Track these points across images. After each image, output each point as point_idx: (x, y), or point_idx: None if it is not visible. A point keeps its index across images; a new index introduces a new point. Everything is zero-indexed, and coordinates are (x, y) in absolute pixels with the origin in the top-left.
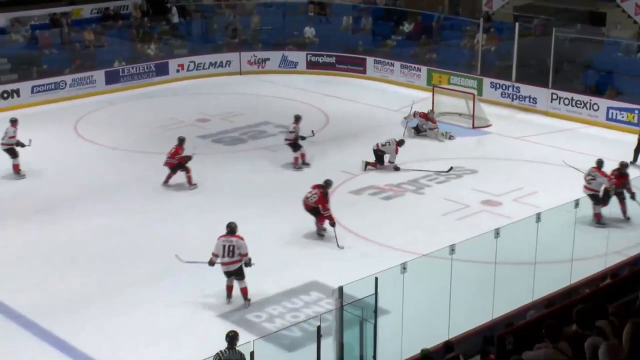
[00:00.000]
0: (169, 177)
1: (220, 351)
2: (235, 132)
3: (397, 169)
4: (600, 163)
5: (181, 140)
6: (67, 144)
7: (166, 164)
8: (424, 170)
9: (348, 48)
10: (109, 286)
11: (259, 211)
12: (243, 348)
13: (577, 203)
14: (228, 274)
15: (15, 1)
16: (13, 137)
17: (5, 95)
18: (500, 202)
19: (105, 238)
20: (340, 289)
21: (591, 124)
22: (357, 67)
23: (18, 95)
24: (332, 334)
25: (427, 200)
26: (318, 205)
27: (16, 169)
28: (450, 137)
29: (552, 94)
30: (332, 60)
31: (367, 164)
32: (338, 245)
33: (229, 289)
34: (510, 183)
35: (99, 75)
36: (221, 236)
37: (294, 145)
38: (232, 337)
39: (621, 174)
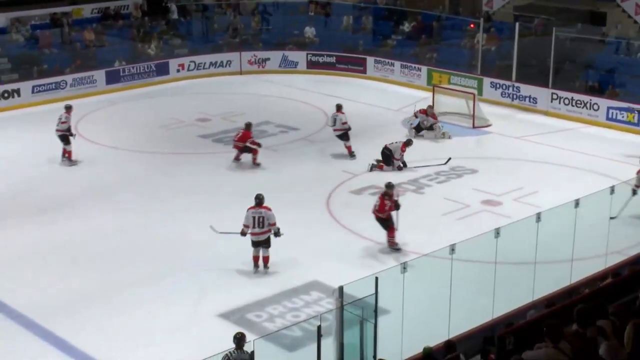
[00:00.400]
0: (237, 156)
1: (229, 352)
2: (236, 131)
3: (400, 168)
4: None
5: (248, 125)
6: None
7: (234, 146)
8: (423, 166)
9: (348, 48)
10: (109, 286)
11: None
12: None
13: (577, 203)
14: (257, 244)
15: (16, 1)
16: (64, 122)
17: (6, 95)
18: (500, 202)
19: (105, 238)
20: (341, 288)
21: (591, 123)
22: (357, 67)
23: (19, 95)
24: (332, 333)
25: (428, 200)
26: (384, 214)
27: (67, 155)
28: (449, 137)
29: (552, 93)
30: (333, 60)
31: (373, 165)
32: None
33: (256, 259)
34: (511, 183)
35: (100, 75)
36: (250, 208)
37: (345, 135)
38: (239, 339)
39: None
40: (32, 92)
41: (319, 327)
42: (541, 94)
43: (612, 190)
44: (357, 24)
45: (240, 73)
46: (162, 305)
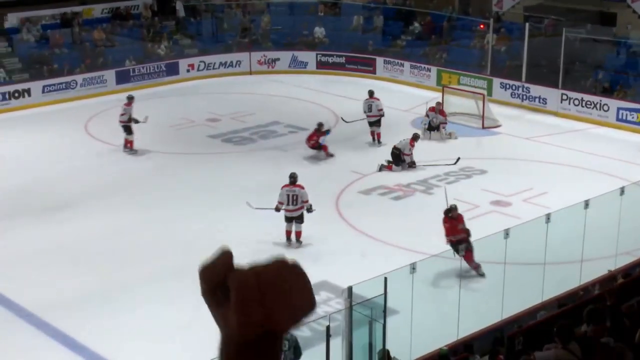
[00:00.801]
0: (326, 152)
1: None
2: (245, 131)
3: (411, 165)
4: None
5: (320, 125)
6: (77, 144)
7: (311, 146)
8: (432, 165)
9: (358, 48)
10: (110, 286)
11: (269, 212)
12: None
13: (587, 204)
14: (290, 219)
15: (26, 1)
16: (124, 114)
17: (17, 94)
18: (510, 203)
19: (105, 238)
20: (350, 288)
21: (601, 124)
22: (366, 67)
23: (29, 95)
24: (341, 333)
25: (437, 201)
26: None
27: (129, 145)
28: (455, 138)
29: (562, 94)
30: (342, 60)
31: (382, 165)
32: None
33: (288, 233)
34: (520, 183)
35: (110, 74)
36: (284, 186)
37: (378, 122)
38: None
39: None
40: (43, 91)
41: (327, 327)
42: (551, 94)
43: (622, 191)
44: (366, 24)
45: (250, 73)
46: (163, 305)
